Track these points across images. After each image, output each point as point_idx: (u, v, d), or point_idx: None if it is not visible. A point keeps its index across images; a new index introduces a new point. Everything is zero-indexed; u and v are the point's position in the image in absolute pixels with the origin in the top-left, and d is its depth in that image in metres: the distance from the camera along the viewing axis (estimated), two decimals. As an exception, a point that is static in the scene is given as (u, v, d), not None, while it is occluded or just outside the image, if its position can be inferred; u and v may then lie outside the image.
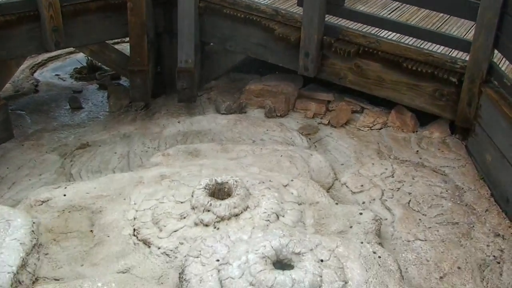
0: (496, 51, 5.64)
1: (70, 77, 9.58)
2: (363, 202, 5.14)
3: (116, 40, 9.32)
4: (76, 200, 4.78)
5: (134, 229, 4.34)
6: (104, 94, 8.62)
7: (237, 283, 3.38)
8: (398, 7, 7.21)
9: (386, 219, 4.88)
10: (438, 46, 6.15)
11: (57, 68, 9.95)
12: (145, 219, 4.40)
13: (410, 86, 6.25)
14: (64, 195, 4.82)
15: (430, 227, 4.77)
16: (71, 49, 9.57)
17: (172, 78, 7.63)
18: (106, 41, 8.09)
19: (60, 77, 9.58)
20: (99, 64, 9.29)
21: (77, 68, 9.74)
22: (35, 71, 9.76)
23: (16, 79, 8.97)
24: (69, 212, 4.63)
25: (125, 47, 8.86)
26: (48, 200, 4.75)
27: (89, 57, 9.19)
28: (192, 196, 4.38)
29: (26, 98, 8.54)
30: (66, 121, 7.81)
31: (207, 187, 4.45)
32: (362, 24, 6.55)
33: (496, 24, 5.35)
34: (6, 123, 6.68)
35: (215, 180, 4.56)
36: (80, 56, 9.76)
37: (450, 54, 6.05)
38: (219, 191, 4.54)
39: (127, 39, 7.83)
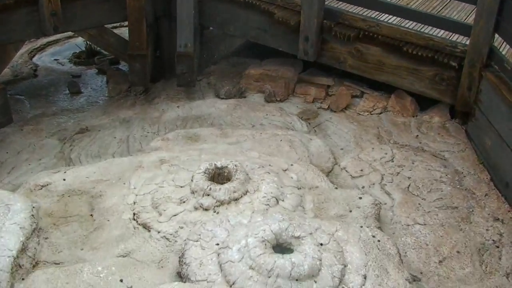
0: (496, 35, 5.61)
1: (69, 61, 9.54)
2: (363, 187, 5.14)
3: (115, 25, 9.25)
4: (76, 184, 4.78)
5: (134, 213, 4.35)
6: (103, 79, 8.58)
7: (237, 266, 3.39)
8: (399, -10, 7.17)
9: (386, 203, 4.88)
10: (438, 30, 6.11)
11: (56, 53, 9.91)
12: (144, 204, 4.40)
13: (410, 71, 6.22)
14: (64, 179, 4.82)
15: (429, 212, 4.78)
16: (70, 33, 9.54)
17: (171, 63, 7.60)
18: (105, 26, 8.04)
19: (59, 62, 9.54)
20: (98, 48, 9.25)
21: (75, 52, 9.69)
22: (33, 56, 9.72)
23: (14, 63, 8.93)
24: (68, 196, 4.63)
25: (124, 32, 8.81)
26: (47, 185, 4.75)
27: (88, 42, 9.15)
28: (192, 180, 4.37)
29: (25, 83, 8.51)
30: (65, 105, 7.79)
31: (206, 172, 4.45)
32: (362, 8, 6.51)
33: (497, 8, 5.32)
34: (5, 107, 6.66)
35: (215, 164, 4.55)
36: (79, 40, 9.70)
37: (450, 38, 6.02)
38: (218, 176, 4.54)
39: (126, 23, 7.79)
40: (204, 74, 7.86)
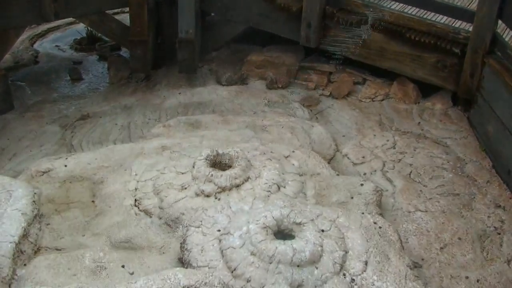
0: (500, 22, 5.57)
1: (70, 48, 9.51)
2: (364, 173, 5.13)
3: (116, 10, 9.22)
4: (77, 171, 4.78)
5: (136, 200, 4.35)
6: (104, 65, 8.56)
7: (238, 252, 3.39)
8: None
9: (387, 190, 4.88)
10: (441, 16, 6.07)
11: (57, 39, 9.88)
12: (146, 190, 4.40)
13: (412, 57, 6.20)
14: (65, 166, 4.82)
15: (431, 198, 4.77)
16: (71, 19, 9.49)
17: (172, 49, 7.57)
18: (106, 11, 8.00)
19: (60, 48, 9.52)
20: (99, 34, 9.21)
21: (77, 39, 9.66)
22: (34, 42, 9.69)
23: (15, 50, 8.90)
24: (70, 182, 4.63)
25: (125, 18, 8.77)
26: (49, 171, 4.75)
27: (89, 28, 9.11)
28: (193, 167, 4.37)
29: (26, 69, 8.49)
30: (66, 92, 7.78)
31: (208, 158, 4.44)
32: (365, -6, 6.47)
33: (501, -7, 5.29)
34: (6, 94, 6.66)
35: (216, 151, 4.54)
36: (80, 26, 9.66)
37: (453, 25, 5.98)
38: (220, 162, 4.53)
39: (127, 9, 7.76)
40: (205, 60, 7.83)
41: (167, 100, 6.81)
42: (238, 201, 4.04)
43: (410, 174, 5.08)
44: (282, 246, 3.36)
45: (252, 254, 3.36)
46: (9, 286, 3.45)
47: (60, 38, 9.90)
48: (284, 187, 4.34)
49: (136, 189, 4.46)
